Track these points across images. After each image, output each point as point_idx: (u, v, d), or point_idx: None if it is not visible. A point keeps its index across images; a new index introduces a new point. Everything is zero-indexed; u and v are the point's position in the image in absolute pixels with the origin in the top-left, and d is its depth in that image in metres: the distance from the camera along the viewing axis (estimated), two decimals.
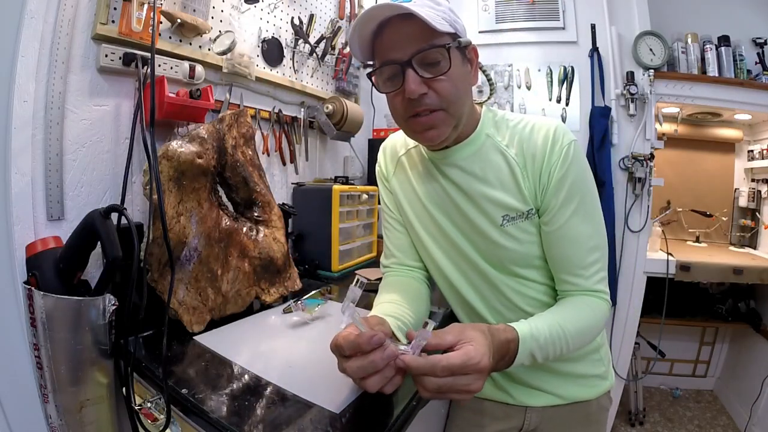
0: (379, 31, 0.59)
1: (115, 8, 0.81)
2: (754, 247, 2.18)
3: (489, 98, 0.74)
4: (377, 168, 0.85)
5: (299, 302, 0.86)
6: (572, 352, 0.60)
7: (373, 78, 0.64)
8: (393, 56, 0.59)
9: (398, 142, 0.81)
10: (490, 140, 0.68)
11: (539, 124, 0.66)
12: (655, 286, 1.85)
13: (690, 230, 2.31)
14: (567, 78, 1.88)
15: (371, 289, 1.11)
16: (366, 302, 1.00)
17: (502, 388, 0.77)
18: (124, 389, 0.66)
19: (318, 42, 1.44)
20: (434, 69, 0.58)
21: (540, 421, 0.76)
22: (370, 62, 0.64)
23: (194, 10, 0.98)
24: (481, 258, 0.71)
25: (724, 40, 1.85)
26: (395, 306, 0.66)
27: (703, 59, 1.87)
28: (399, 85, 0.59)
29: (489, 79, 0.73)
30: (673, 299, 1.90)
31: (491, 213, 0.67)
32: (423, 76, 0.58)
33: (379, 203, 1.48)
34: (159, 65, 0.91)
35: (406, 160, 0.78)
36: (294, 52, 1.36)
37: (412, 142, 0.77)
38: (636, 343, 1.92)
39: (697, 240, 2.29)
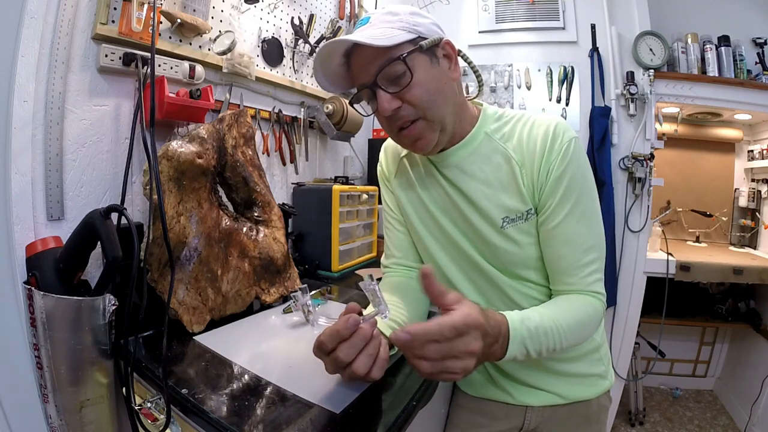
0: (347, 61, 0.62)
1: (115, 8, 0.81)
2: (754, 247, 2.18)
3: (478, 94, 0.73)
4: (379, 168, 0.85)
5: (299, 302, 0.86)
6: (567, 348, 0.59)
7: (354, 105, 0.68)
8: (361, 81, 0.61)
9: None
10: (489, 139, 0.68)
11: (539, 120, 0.66)
12: (655, 286, 1.85)
13: (690, 230, 2.31)
14: (567, 78, 1.88)
15: None
16: (366, 302, 1.00)
17: (502, 388, 0.76)
18: (124, 389, 0.66)
19: (318, 42, 1.44)
20: (400, 81, 0.59)
21: (540, 421, 0.76)
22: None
23: (194, 10, 0.98)
24: (483, 259, 0.71)
25: (724, 40, 1.86)
26: (391, 307, 0.66)
27: (703, 59, 1.87)
28: (377, 105, 0.61)
29: (476, 73, 0.72)
30: (673, 299, 1.90)
31: (491, 215, 0.67)
32: (391, 92, 0.59)
33: (379, 203, 1.48)
34: (159, 65, 0.91)
35: (408, 161, 0.78)
36: (294, 52, 1.36)
37: None
38: (636, 343, 1.92)
39: (697, 240, 2.29)
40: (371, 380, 0.55)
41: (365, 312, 0.60)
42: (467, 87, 1.85)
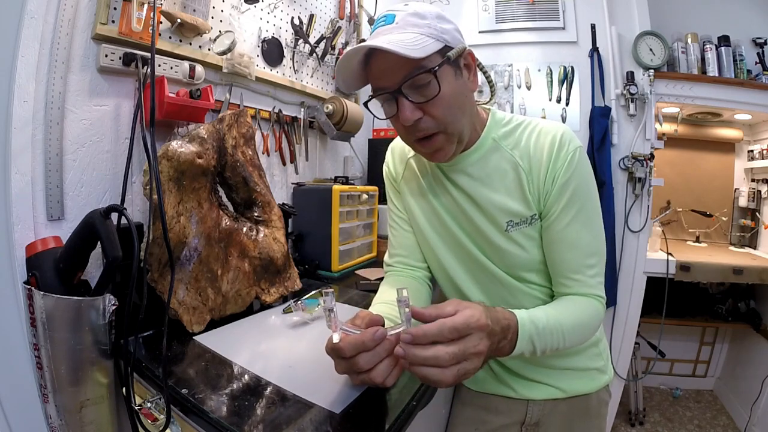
0: (367, 60, 0.60)
1: (115, 8, 0.81)
2: (754, 247, 2.18)
3: (490, 100, 0.74)
4: (385, 168, 0.85)
5: (299, 302, 0.86)
6: (568, 347, 0.61)
7: (368, 106, 0.65)
8: (383, 84, 0.59)
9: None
10: (497, 145, 0.69)
11: (546, 128, 0.67)
12: (655, 286, 1.85)
13: (690, 230, 2.31)
14: (567, 78, 1.88)
15: (371, 289, 1.11)
16: (366, 302, 1.00)
17: (504, 382, 0.77)
18: (124, 389, 0.66)
19: (318, 42, 1.44)
20: (426, 92, 0.57)
21: (542, 415, 0.76)
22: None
23: (194, 10, 0.98)
24: (489, 261, 0.71)
25: (724, 40, 1.86)
26: (390, 307, 0.66)
27: (703, 59, 1.87)
28: (395, 111, 0.60)
29: (489, 81, 0.73)
30: (673, 299, 1.90)
31: (497, 219, 0.68)
32: (415, 101, 0.58)
33: (379, 203, 1.48)
34: (159, 65, 0.91)
35: (415, 162, 0.78)
36: (294, 52, 1.36)
37: None
38: (636, 343, 1.92)
39: (697, 240, 2.29)
40: (383, 386, 0.54)
41: (387, 325, 0.59)
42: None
